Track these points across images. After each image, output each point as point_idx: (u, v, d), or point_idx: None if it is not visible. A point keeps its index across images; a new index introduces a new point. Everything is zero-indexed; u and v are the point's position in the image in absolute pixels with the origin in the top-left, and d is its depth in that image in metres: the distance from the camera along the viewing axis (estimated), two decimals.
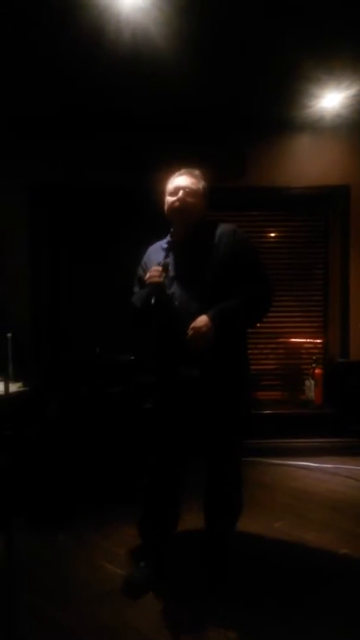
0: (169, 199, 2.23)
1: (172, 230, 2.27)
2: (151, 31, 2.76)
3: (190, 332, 2.01)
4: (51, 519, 2.98)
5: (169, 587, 2.28)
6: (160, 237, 2.36)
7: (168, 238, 2.28)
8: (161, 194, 2.31)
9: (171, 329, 2.13)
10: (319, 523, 2.90)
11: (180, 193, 2.19)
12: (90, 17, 2.61)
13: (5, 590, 2.06)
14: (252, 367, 4.37)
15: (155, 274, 2.09)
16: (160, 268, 2.11)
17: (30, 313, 4.13)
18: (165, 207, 2.25)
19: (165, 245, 2.23)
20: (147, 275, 2.14)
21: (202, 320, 2.01)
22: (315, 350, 4.50)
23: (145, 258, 2.37)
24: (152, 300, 2.06)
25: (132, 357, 3.54)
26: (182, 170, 2.26)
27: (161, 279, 2.09)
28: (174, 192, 2.21)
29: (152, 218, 2.58)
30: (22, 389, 3.03)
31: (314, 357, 4.41)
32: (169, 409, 2.23)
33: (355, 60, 3.15)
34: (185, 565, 2.46)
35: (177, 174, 2.26)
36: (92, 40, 2.82)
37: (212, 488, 2.31)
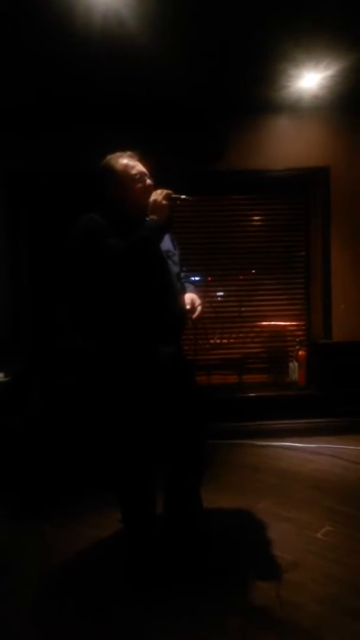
0: (141, 184, 2.10)
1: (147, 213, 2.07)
2: (123, 13, 2.71)
3: (196, 309, 2.18)
4: (34, 508, 2.99)
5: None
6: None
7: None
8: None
9: (151, 303, 2.05)
10: (303, 502, 2.94)
11: (147, 177, 2.13)
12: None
13: None
14: (238, 350, 4.51)
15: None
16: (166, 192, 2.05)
17: (10, 301, 4.10)
18: (136, 191, 2.09)
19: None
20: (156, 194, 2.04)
21: (196, 298, 2.21)
22: (299, 333, 4.53)
23: (99, 224, 2.07)
24: (184, 196, 2.05)
25: None
26: (131, 154, 2.15)
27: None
28: (142, 176, 2.12)
29: None
30: (4, 379, 3.02)
31: (297, 339, 4.44)
32: (148, 391, 2.10)
33: (333, 41, 3.13)
34: None
35: (130, 157, 2.13)
36: (62, 23, 2.76)
37: (184, 459, 2.25)
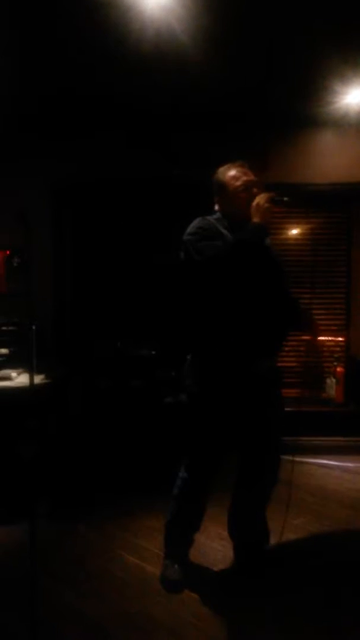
0: (246, 193, 2.13)
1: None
2: (175, 29, 2.78)
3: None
4: (72, 509, 3.04)
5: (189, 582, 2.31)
6: (182, 232, 2.32)
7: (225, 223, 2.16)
8: (183, 186, 2.31)
9: (250, 316, 2.05)
10: (338, 521, 2.89)
11: (253, 186, 2.17)
12: (115, 15, 2.64)
13: (27, 577, 2.11)
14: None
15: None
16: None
17: (53, 307, 4.21)
18: (241, 200, 2.12)
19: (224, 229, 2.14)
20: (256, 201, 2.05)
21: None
22: (337, 349, 4.46)
23: (210, 226, 2.15)
24: (282, 199, 2.04)
25: (153, 352, 3.58)
26: (241, 163, 2.22)
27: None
28: (248, 186, 2.15)
29: (174, 211, 2.60)
30: (45, 381, 3.09)
31: (336, 355, 4.38)
32: (232, 404, 2.12)
33: None
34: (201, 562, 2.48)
35: (239, 167, 2.19)
36: (116, 38, 2.85)
37: (261, 479, 2.31)
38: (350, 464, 3.78)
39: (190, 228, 2.13)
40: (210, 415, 2.13)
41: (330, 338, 4.48)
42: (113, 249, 4.32)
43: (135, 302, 4.21)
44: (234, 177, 2.16)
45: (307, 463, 3.81)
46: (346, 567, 2.42)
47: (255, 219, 2.03)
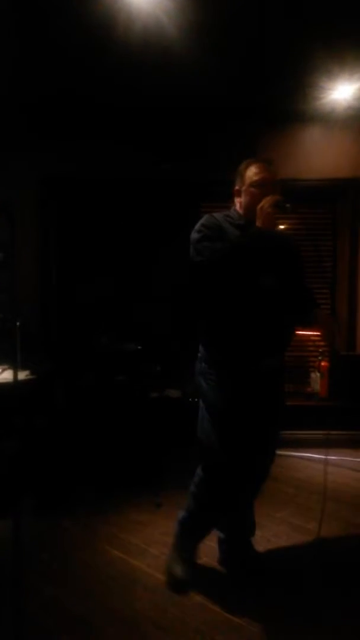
0: (259, 190, 2.07)
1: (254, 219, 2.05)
2: (163, 21, 2.75)
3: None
4: (56, 504, 3.04)
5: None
6: (167, 229, 2.31)
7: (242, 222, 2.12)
8: (172, 182, 2.27)
9: (254, 316, 2.02)
10: (320, 513, 2.92)
11: (268, 186, 2.10)
12: (103, 7, 2.61)
13: (11, 572, 2.12)
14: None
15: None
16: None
17: (38, 302, 4.18)
18: (253, 197, 2.07)
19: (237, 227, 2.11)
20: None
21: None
22: (322, 343, 4.50)
23: (214, 224, 2.11)
24: (286, 204, 1.97)
25: (139, 347, 3.58)
26: (267, 160, 2.18)
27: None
28: (263, 184, 2.09)
29: (160, 209, 2.60)
30: (30, 377, 3.08)
31: (320, 350, 4.42)
32: (247, 403, 2.09)
33: None
34: None
35: (262, 163, 2.14)
36: (103, 31, 2.82)
37: (258, 475, 2.30)
38: (334, 457, 3.82)
39: (197, 226, 2.10)
40: (233, 412, 2.08)
41: (315, 333, 4.52)
42: (98, 244, 4.30)
43: (120, 297, 4.20)
44: (254, 172, 2.10)
45: (291, 456, 3.86)
46: (328, 558, 2.46)
47: (258, 223, 1.99)
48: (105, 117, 4.06)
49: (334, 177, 4.24)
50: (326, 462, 2.74)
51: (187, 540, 2.33)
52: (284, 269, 2.12)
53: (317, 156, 4.24)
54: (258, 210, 1.99)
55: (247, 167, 2.13)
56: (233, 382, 2.07)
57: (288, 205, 2.00)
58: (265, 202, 1.98)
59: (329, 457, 3.80)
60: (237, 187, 2.18)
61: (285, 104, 3.90)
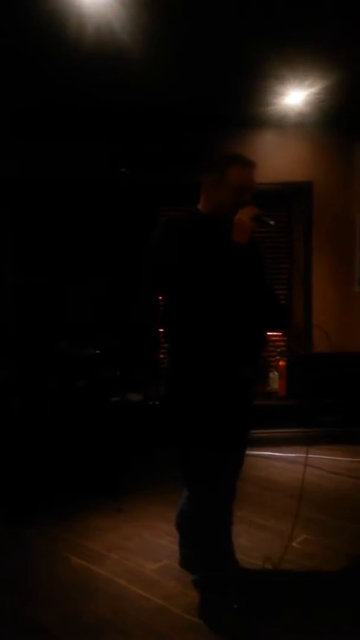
0: (239, 197, 1.90)
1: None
2: (115, 26, 2.75)
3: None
4: (18, 513, 2.98)
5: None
6: (124, 231, 2.21)
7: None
8: (129, 185, 2.22)
9: (232, 322, 1.89)
10: (281, 510, 2.99)
11: (249, 192, 1.95)
12: (53, 9, 2.59)
13: None
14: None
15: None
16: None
17: None
18: (231, 201, 1.89)
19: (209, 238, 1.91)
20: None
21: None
22: (280, 343, 4.60)
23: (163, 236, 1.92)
24: (269, 220, 1.83)
25: (97, 352, 3.56)
26: (251, 162, 1.97)
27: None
28: (245, 189, 1.93)
29: (118, 212, 2.58)
30: None
31: (278, 350, 4.51)
32: (224, 412, 1.95)
33: (317, 59, 3.21)
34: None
35: (247, 164, 1.95)
36: (54, 34, 2.80)
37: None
38: (291, 455, 3.91)
39: (157, 231, 1.93)
40: (212, 423, 1.93)
41: (273, 333, 4.61)
42: (56, 247, 4.25)
43: (79, 301, 4.16)
44: (238, 173, 1.90)
45: (250, 455, 3.90)
46: (290, 555, 2.51)
47: (235, 236, 1.83)
48: (68, 118, 4.03)
49: (288, 180, 4.34)
50: (292, 460, 2.75)
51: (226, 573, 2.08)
52: (256, 276, 1.99)
53: (272, 161, 4.31)
54: (236, 221, 1.84)
55: (229, 165, 1.92)
56: (208, 392, 1.93)
57: (272, 222, 1.87)
58: (244, 215, 1.83)
59: (287, 454, 3.91)
60: (209, 180, 1.95)
61: (239, 109, 3.96)
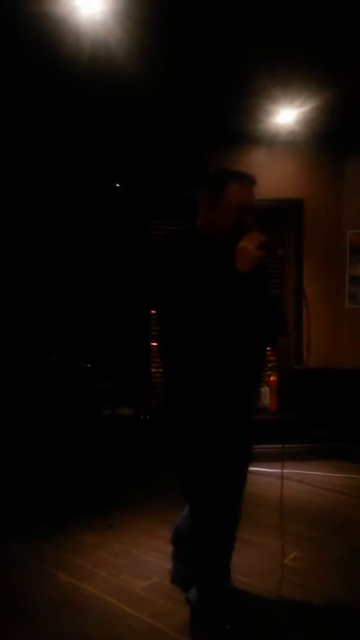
0: (239, 218, 1.81)
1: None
2: (110, 44, 2.80)
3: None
4: (4, 527, 2.94)
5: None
6: (117, 244, 2.16)
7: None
8: (123, 197, 2.21)
9: (231, 347, 1.79)
10: (271, 527, 2.96)
11: (251, 211, 1.86)
12: (49, 27, 2.63)
13: None
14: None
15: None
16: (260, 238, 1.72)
17: None
18: (231, 222, 1.81)
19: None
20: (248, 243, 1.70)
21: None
22: (271, 358, 4.60)
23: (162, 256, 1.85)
24: (277, 249, 1.73)
25: (89, 365, 3.54)
26: (252, 178, 1.89)
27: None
28: (246, 209, 1.84)
29: (110, 225, 2.58)
30: None
31: (269, 365, 4.51)
32: (221, 433, 1.87)
33: (307, 79, 3.28)
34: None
35: (247, 182, 1.87)
36: (50, 50, 2.83)
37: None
38: (285, 471, 3.89)
39: (152, 251, 1.86)
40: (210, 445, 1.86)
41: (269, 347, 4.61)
42: (48, 261, 4.24)
43: (70, 314, 4.15)
44: (239, 192, 1.81)
45: None
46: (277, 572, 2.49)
47: (240, 267, 1.70)
48: (64, 132, 4.06)
49: (278, 197, 4.38)
50: (281, 476, 2.74)
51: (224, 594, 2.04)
52: (258, 302, 1.87)
53: (263, 178, 4.28)
54: (240, 249, 1.71)
55: (228, 182, 1.82)
56: (205, 413, 1.85)
57: (280, 251, 1.78)
58: (250, 243, 1.71)
59: (278, 470, 3.88)
60: (206, 197, 1.85)
61: (231, 127, 4.02)
